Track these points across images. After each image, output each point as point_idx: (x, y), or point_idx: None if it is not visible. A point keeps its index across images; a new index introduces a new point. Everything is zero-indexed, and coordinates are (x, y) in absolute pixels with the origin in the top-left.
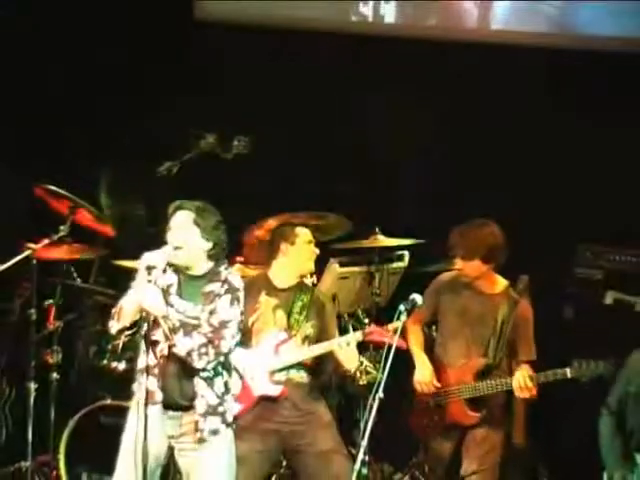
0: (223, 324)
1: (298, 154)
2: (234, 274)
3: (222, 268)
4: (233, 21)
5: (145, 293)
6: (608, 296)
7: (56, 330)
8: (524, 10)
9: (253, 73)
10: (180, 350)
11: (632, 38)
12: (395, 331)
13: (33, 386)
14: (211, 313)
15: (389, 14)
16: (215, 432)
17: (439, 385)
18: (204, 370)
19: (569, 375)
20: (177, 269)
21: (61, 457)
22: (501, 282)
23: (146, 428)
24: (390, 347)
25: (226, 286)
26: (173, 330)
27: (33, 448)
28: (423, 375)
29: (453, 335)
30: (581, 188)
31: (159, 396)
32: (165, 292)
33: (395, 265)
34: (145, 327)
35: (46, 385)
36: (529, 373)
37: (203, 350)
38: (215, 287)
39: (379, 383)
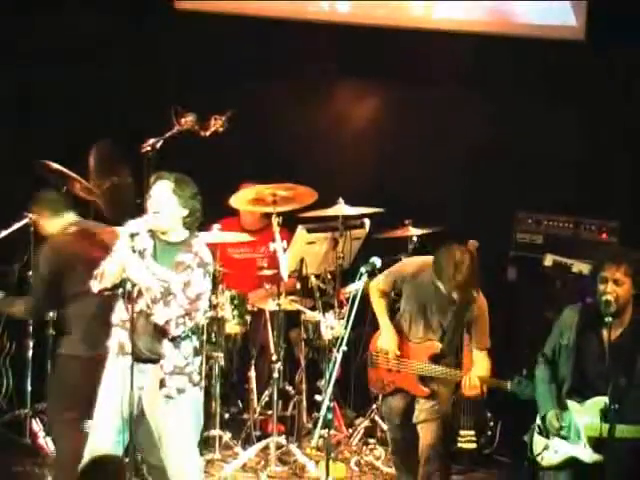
0: (198, 296)
1: (269, 133)
2: (204, 248)
3: (194, 240)
4: (210, 11)
5: (131, 263)
6: (547, 259)
7: None
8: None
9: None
10: (159, 319)
11: (563, 26)
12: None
13: (31, 341)
14: (186, 285)
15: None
16: (181, 390)
17: (399, 354)
18: (178, 337)
19: (509, 388)
20: (153, 234)
21: None
22: None
23: (132, 379)
24: (352, 306)
25: (197, 259)
26: (154, 300)
27: (31, 397)
28: (388, 343)
29: (415, 319)
30: (522, 165)
31: (130, 348)
32: (141, 254)
33: (357, 231)
34: (129, 286)
35: (43, 340)
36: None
37: (180, 320)
38: (187, 258)
39: (342, 338)
